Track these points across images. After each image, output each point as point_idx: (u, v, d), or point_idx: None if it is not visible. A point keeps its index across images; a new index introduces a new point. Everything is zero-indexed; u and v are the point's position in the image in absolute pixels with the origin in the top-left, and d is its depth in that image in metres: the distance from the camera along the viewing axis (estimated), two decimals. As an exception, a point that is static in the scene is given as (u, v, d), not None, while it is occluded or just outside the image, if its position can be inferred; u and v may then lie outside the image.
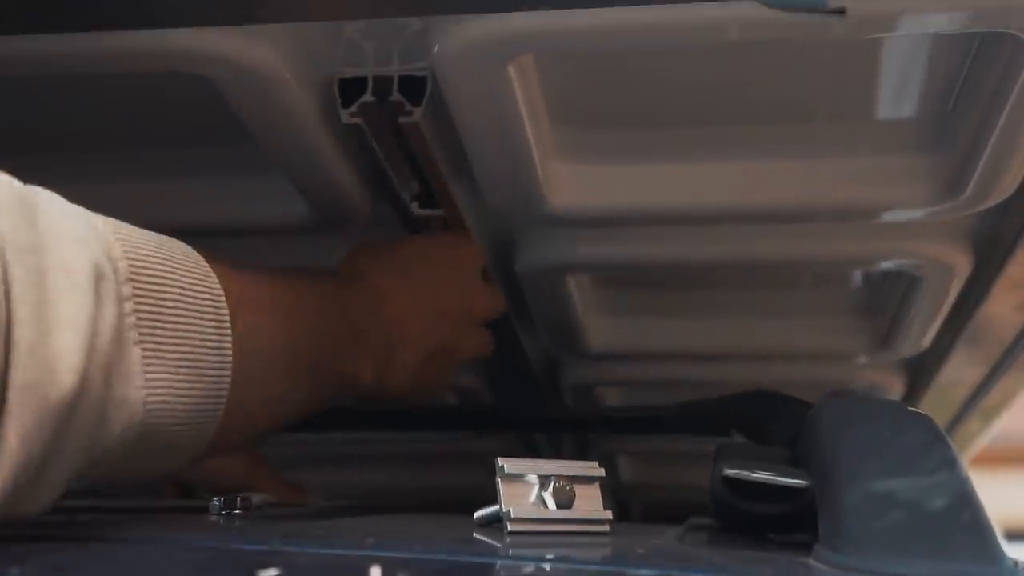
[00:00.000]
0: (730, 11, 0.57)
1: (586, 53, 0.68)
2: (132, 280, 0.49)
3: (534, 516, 0.53)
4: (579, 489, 0.54)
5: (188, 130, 0.81)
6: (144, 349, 0.50)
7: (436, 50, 0.64)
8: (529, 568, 0.45)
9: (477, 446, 1.43)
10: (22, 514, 0.46)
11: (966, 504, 0.48)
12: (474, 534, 0.53)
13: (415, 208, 0.80)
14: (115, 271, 0.48)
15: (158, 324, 0.51)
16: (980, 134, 0.69)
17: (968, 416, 1.34)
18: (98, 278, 0.46)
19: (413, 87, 0.67)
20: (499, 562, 0.47)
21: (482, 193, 0.79)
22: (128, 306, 0.49)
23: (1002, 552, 0.47)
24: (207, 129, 0.79)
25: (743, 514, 0.58)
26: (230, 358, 0.56)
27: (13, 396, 0.42)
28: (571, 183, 0.79)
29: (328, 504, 1.02)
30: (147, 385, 0.50)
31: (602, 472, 0.55)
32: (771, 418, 0.83)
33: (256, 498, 0.74)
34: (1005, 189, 0.74)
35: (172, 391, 0.52)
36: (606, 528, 0.55)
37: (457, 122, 0.70)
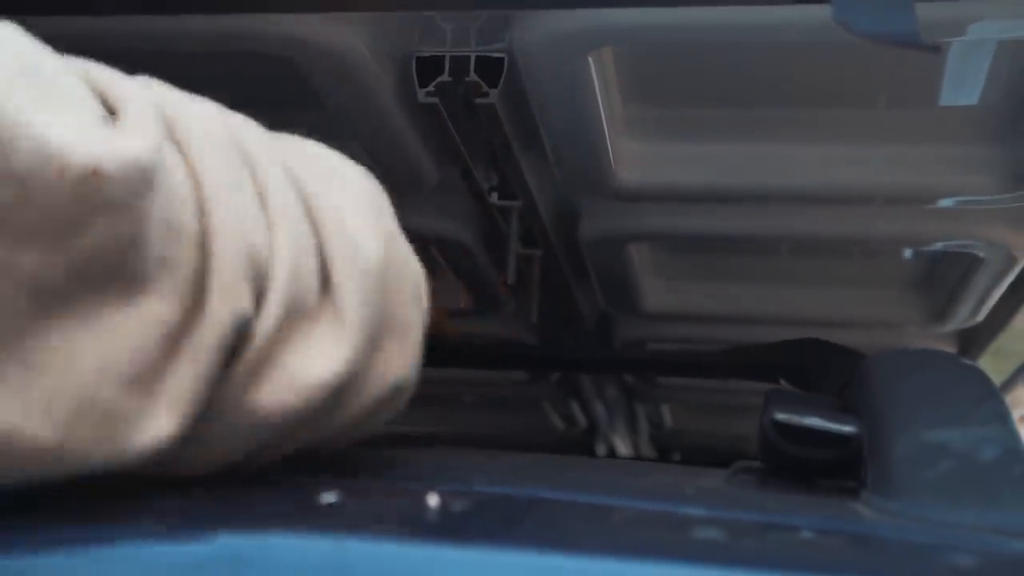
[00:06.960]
0: (803, 12, 0.56)
1: (664, 44, 0.69)
2: None
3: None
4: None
5: (263, 95, 0.81)
6: None
7: (516, 36, 0.64)
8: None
9: (520, 392, 1.46)
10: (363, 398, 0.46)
11: (1016, 458, 0.47)
12: None
13: (494, 199, 0.81)
14: None
15: None
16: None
17: (1018, 384, 1.34)
18: None
19: (490, 68, 0.67)
20: None
21: (551, 168, 0.80)
22: None
23: None
24: (281, 95, 0.80)
25: (791, 459, 0.55)
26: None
27: (340, 264, 0.44)
28: (639, 159, 0.80)
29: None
30: None
31: None
32: (820, 367, 0.81)
33: None
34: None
35: None
36: None
37: (532, 103, 0.71)
